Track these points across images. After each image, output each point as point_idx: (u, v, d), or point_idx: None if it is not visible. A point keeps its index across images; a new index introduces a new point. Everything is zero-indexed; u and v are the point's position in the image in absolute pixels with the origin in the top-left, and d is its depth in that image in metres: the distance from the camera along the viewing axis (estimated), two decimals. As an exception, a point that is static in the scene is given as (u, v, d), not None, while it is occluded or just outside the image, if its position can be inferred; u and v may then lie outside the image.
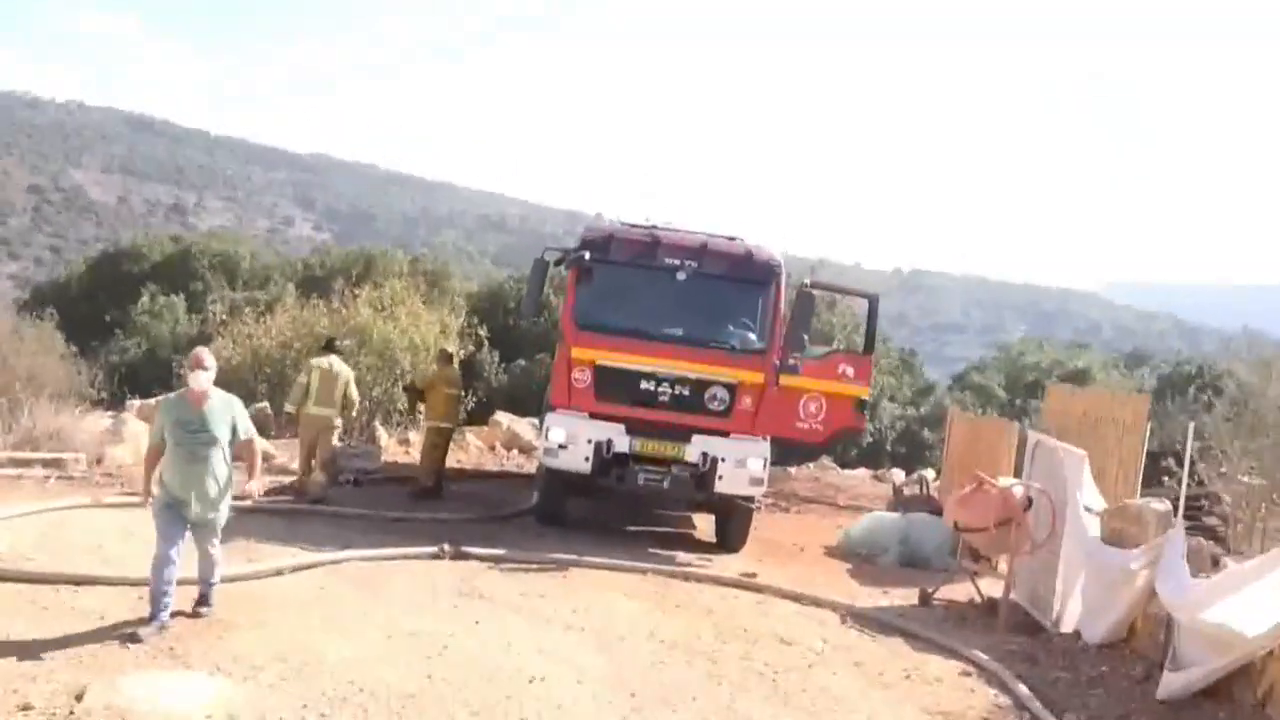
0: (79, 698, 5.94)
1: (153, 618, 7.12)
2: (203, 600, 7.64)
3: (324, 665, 6.90)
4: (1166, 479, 10.77)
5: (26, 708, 5.76)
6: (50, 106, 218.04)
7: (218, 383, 7.57)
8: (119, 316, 34.09)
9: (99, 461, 12.81)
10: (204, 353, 7.54)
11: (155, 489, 7.44)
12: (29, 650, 6.67)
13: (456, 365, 14.97)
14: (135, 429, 13.84)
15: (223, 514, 7.55)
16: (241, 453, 7.75)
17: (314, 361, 13.31)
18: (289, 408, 13.13)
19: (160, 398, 8.54)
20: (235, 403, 7.63)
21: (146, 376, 23.49)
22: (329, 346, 13.84)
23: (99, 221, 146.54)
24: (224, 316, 21.21)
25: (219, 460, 7.38)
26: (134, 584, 8.19)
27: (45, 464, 12.25)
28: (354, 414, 13.96)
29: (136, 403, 16.06)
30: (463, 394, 14.87)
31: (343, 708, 6.27)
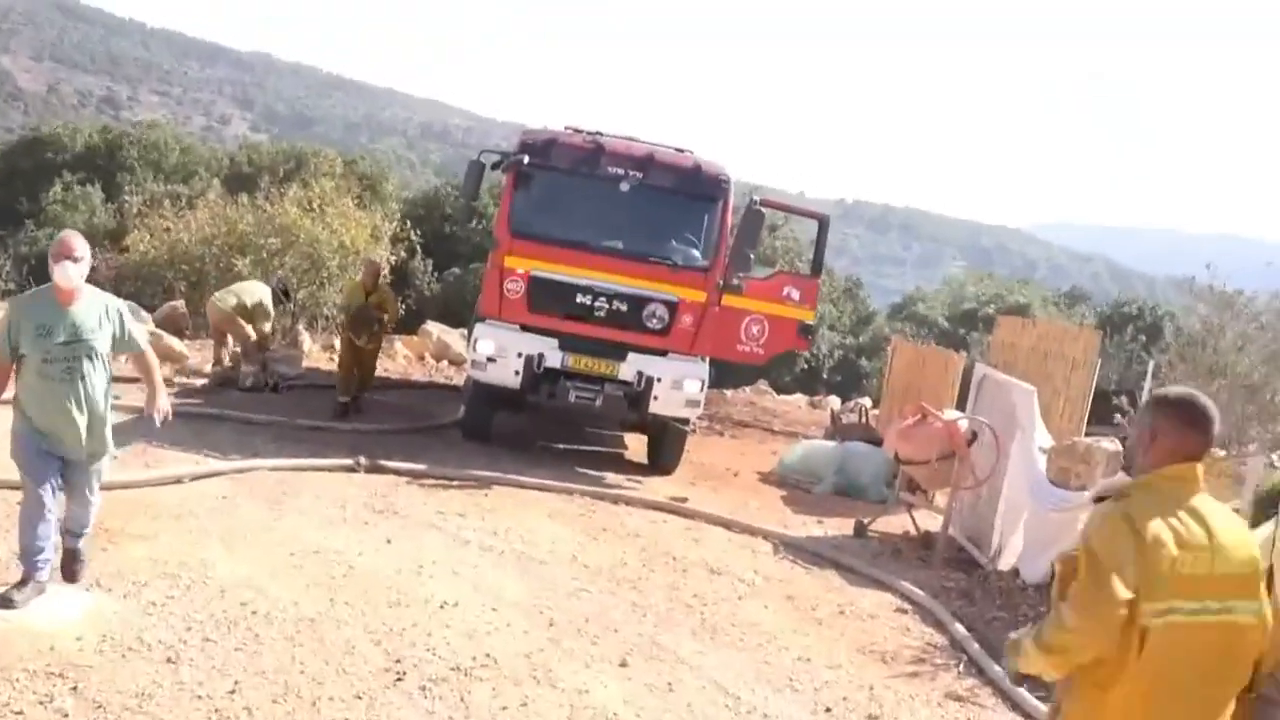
0: (-66, 613, 5.35)
1: (27, 580, 5.63)
2: (71, 558, 5.87)
3: (216, 583, 6.35)
4: (1119, 418, 10.46)
5: None
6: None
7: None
8: (33, 206, 32.56)
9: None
10: (74, 238, 5.66)
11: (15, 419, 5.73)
12: (-117, 557, 6.05)
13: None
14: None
15: (106, 447, 5.91)
16: (136, 369, 6.18)
17: (256, 284, 14.34)
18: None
19: (12, 298, 6.44)
20: (116, 303, 5.92)
21: (58, 269, 22.37)
22: (285, 293, 14.53)
23: (27, 110, 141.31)
24: (141, 208, 20.17)
25: (97, 378, 5.70)
26: (13, 488, 7.59)
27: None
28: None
29: (40, 294, 15.13)
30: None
31: (231, 631, 5.73)
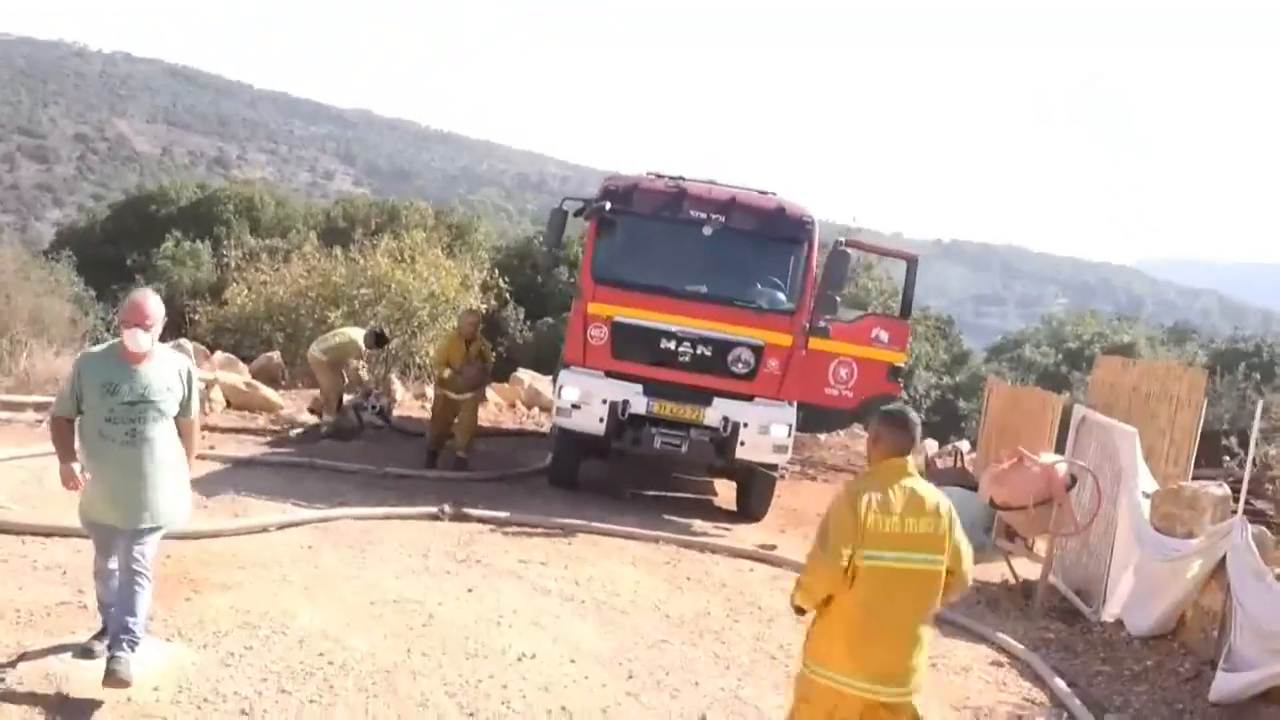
0: (17, 661, 5.42)
1: (105, 631, 5.52)
2: (111, 671, 5.09)
3: (294, 633, 6.35)
4: (1228, 459, 9.98)
5: (-44, 672, 5.22)
6: (97, 57, 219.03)
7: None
8: (142, 261, 33.69)
9: (94, 406, 12.30)
10: (146, 303, 5.30)
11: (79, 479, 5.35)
12: (-24, 607, 6.16)
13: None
14: (137, 374, 13.36)
15: (170, 519, 5.50)
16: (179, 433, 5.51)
17: (350, 329, 14.24)
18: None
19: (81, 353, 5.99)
20: (188, 365, 5.58)
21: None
22: (380, 336, 14.04)
23: (142, 171, 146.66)
24: (239, 262, 20.68)
25: (163, 443, 5.35)
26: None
27: (37, 408, 11.74)
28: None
29: (143, 348, 15.52)
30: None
31: (307, 682, 5.71)
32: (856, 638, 4.38)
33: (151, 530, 5.41)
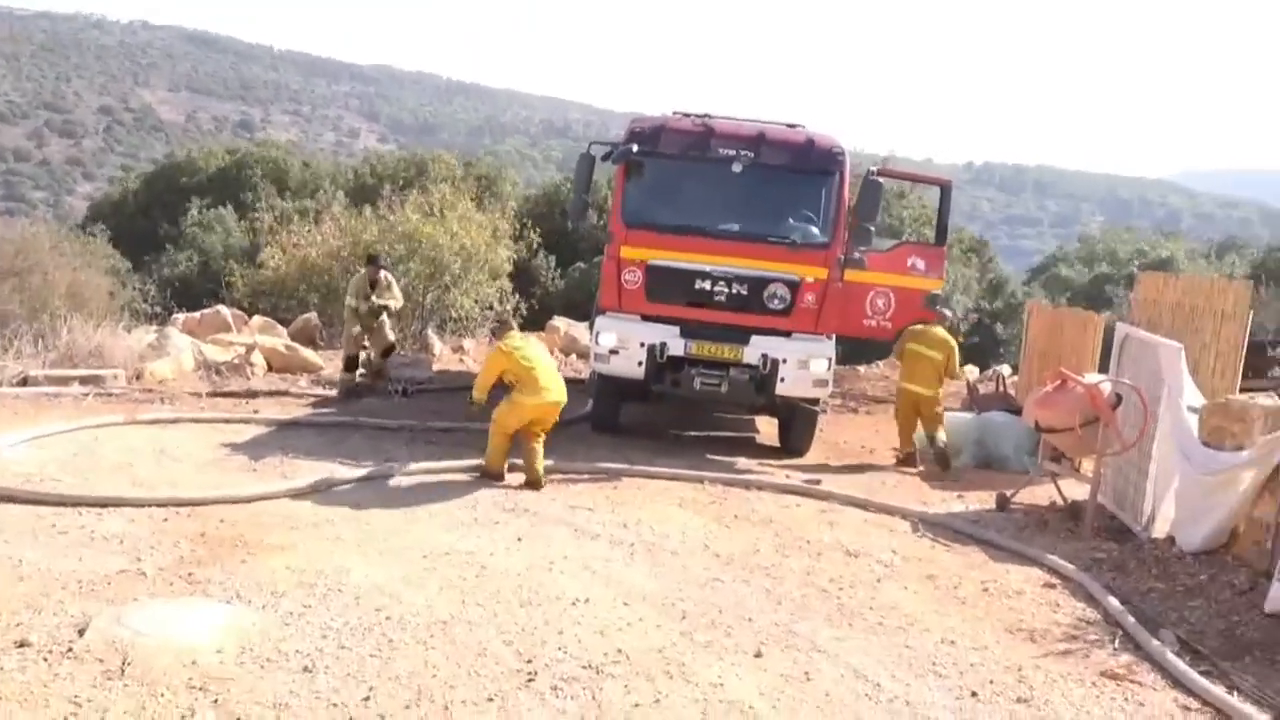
0: (81, 632, 5.52)
1: None
2: None
3: (350, 590, 6.43)
4: (1277, 370, 9.86)
5: (23, 644, 5.32)
6: (115, 27, 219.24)
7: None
8: (172, 230, 33.91)
9: (138, 377, 12.43)
10: None
11: None
12: (39, 579, 6.27)
13: None
14: (178, 344, 13.50)
15: None
16: None
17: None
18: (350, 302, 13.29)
19: None
20: None
21: (198, 290, 23.31)
22: (371, 259, 13.70)
23: (169, 140, 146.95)
24: (272, 225, 20.70)
25: None
26: (160, 504, 7.86)
27: (83, 381, 11.89)
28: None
29: (181, 317, 15.73)
30: None
31: (366, 637, 5.78)
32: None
33: None
